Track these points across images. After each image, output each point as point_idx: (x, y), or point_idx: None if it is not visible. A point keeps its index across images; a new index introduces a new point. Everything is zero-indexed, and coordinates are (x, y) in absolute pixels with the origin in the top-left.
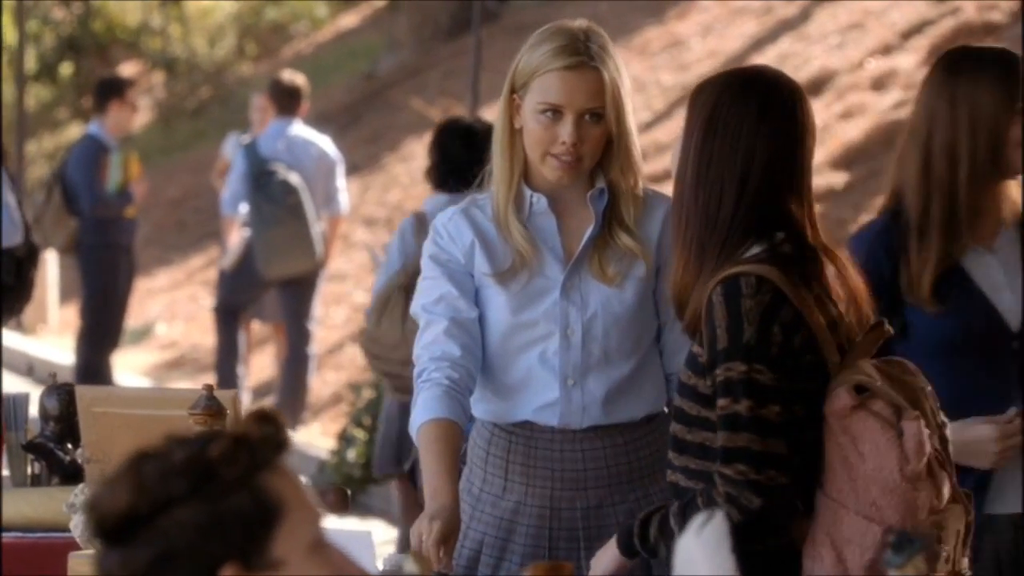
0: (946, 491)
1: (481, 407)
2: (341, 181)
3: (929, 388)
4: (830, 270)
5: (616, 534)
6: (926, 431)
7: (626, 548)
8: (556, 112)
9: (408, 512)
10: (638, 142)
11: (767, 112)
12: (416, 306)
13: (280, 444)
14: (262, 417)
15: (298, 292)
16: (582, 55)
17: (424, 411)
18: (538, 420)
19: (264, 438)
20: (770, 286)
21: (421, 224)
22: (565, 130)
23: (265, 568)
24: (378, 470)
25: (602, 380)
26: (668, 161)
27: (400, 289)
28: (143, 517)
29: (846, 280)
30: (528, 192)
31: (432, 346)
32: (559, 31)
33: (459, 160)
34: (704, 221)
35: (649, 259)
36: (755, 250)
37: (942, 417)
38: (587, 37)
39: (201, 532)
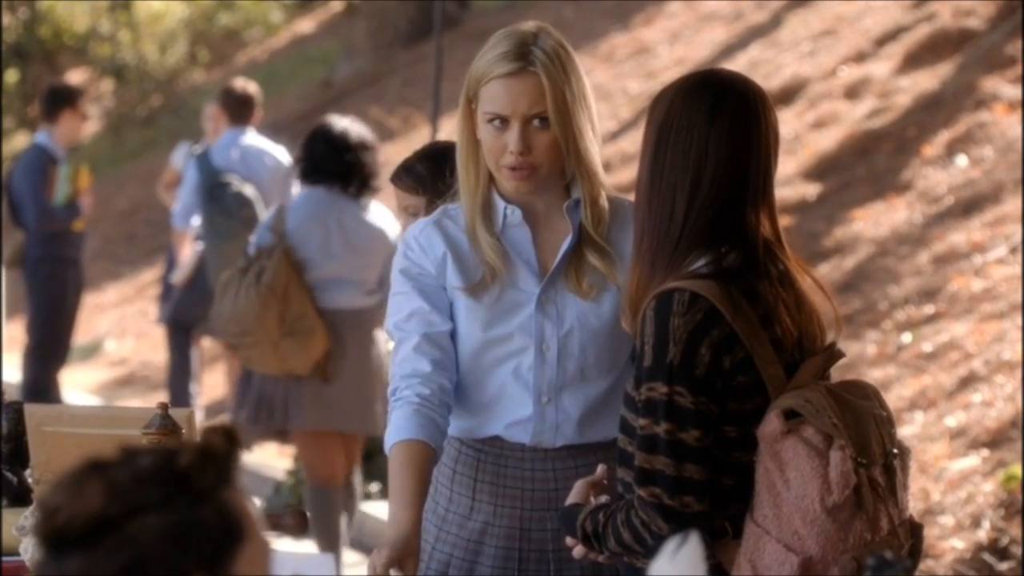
0: (884, 523)
1: (451, 423)
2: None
3: (886, 414)
4: (790, 284)
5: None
6: (850, 463)
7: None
8: (502, 121)
9: (309, 465)
10: (595, 148)
11: (717, 117)
12: (388, 324)
13: (237, 460)
14: (222, 431)
15: None
16: (522, 60)
17: (394, 432)
18: (509, 437)
19: (228, 453)
20: (704, 303)
21: (280, 214)
22: (512, 138)
23: None
24: (251, 421)
25: (578, 398)
26: (635, 171)
27: (239, 271)
28: (113, 522)
29: (802, 296)
30: (502, 204)
31: (403, 363)
32: (507, 36)
33: (322, 159)
34: (657, 231)
35: (615, 276)
36: (700, 263)
37: (896, 446)
38: (534, 40)
39: (172, 542)
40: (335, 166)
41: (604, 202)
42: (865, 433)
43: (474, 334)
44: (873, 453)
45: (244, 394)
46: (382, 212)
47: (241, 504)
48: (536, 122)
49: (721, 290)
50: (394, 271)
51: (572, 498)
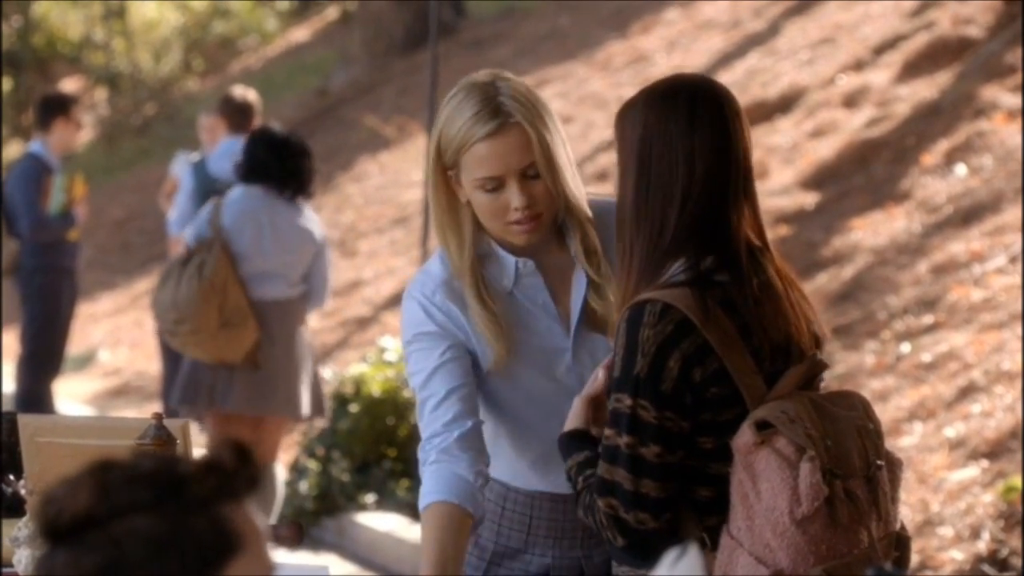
0: (863, 536)
1: (496, 468)
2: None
3: (873, 426)
4: (773, 293)
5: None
6: (819, 475)
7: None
8: (498, 182)
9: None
10: (576, 179)
11: (697, 123)
12: (413, 382)
13: (251, 481)
14: (236, 448)
15: None
16: (499, 115)
17: (424, 494)
18: (558, 489)
19: (236, 470)
20: (676, 314)
21: (218, 209)
22: (513, 197)
23: None
24: (180, 402)
25: None
26: None
27: (179, 262)
28: (99, 520)
29: (785, 305)
30: (511, 259)
31: (429, 424)
32: (467, 95)
33: (262, 162)
34: (647, 245)
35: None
36: (678, 272)
37: (882, 458)
38: (496, 91)
39: (155, 547)
40: (275, 170)
41: (593, 235)
42: (845, 444)
43: (512, 399)
44: (853, 465)
45: (173, 378)
46: (311, 215)
47: (244, 520)
48: (529, 173)
49: (696, 300)
50: (413, 330)
51: (572, 421)
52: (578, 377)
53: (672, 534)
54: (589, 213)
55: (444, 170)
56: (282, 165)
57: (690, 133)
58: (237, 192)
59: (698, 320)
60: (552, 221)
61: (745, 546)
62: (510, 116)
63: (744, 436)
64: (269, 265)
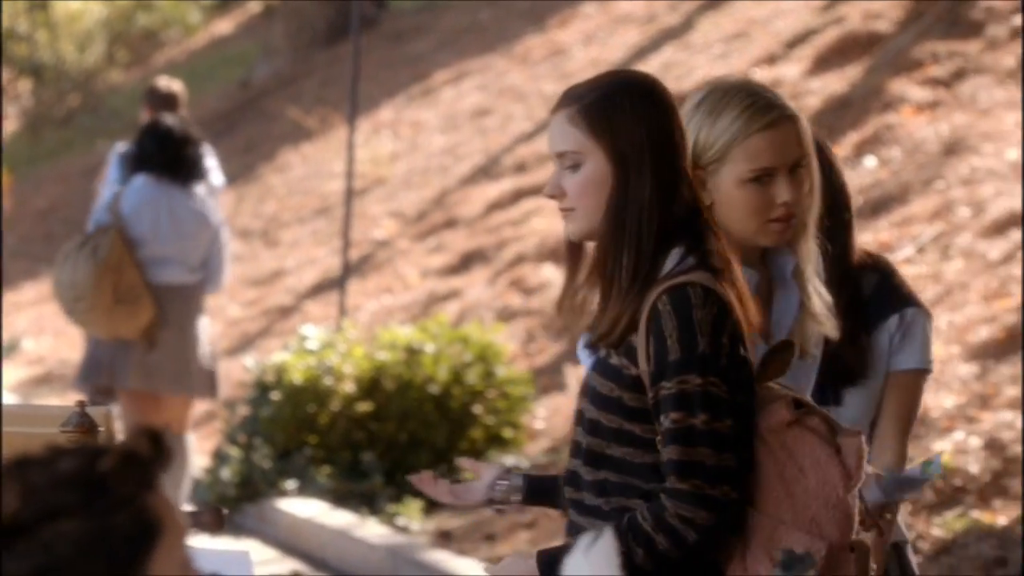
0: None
1: None
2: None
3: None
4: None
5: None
6: (862, 449)
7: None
8: (769, 174)
9: (129, 422)
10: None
11: (656, 121)
12: None
13: (164, 463)
14: (150, 435)
15: None
16: (775, 109)
17: None
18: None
19: (152, 458)
20: (715, 296)
21: (118, 197)
22: (781, 191)
23: None
24: (81, 380)
25: None
26: (551, 172)
27: (76, 245)
28: (26, 525)
29: (748, 291)
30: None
31: None
32: (725, 94)
33: (151, 152)
34: (635, 251)
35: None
36: (688, 260)
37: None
38: (760, 88)
39: (84, 548)
40: (164, 158)
41: (812, 252)
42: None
43: None
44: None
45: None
46: (208, 201)
47: (161, 505)
48: (797, 168)
49: (719, 283)
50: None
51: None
52: None
53: (744, 505)
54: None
55: (700, 168)
56: (168, 154)
57: (658, 131)
58: (138, 180)
59: (729, 301)
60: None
61: (788, 521)
62: (785, 109)
63: (779, 415)
64: (167, 250)
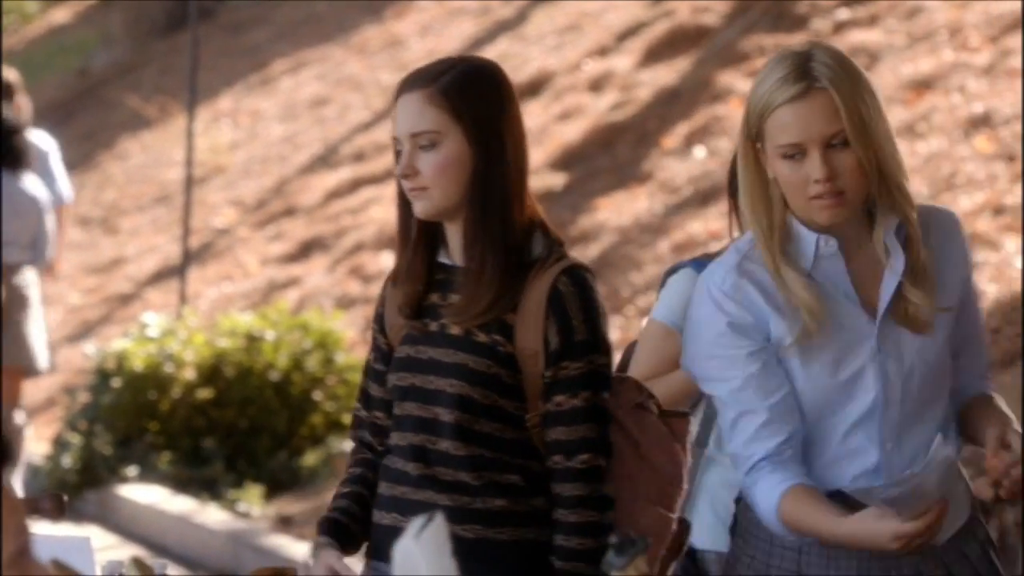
0: None
1: None
2: (59, 169)
3: None
4: None
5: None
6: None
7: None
8: (799, 149)
9: None
10: (892, 149)
11: (509, 105)
12: (720, 391)
13: (7, 457)
14: None
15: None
16: (806, 79)
17: (772, 491)
18: (853, 490)
19: None
20: (594, 279)
21: None
22: (814, 169)
23: None
24: None
25: (916, 439)
26: (389, 161)
27: None
28: None
29: None
30: (813, 235)
31: (752, 444)
32: (779, 61)
33: None
34: (505, 233)
35: (939, 301)
36: (554, 242)
37: None
38: (810, 57)
39: None
40: None
41: (916, 225)
42: None
43: (811, 388)
44: None
45: None
46: (35, 182)
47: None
48: (834, 144)
49: None
50: (711, 329)
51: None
52: (882, 369)
53: None
54: (912, 199)
55: (752, 143)
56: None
57: (512, 115)
58: None
59: None
60: (862, 201)
61: (644, 497)
62: (816, 80)
63: (629, 395)
64: (3, 233)
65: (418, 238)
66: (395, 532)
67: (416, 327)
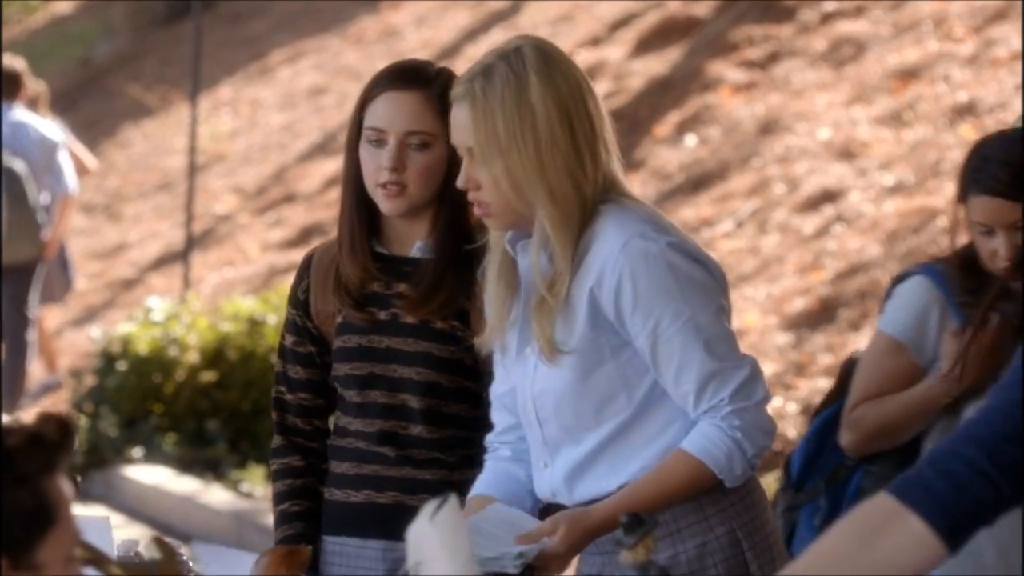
0: None
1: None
2: (66, 162)
3: None
4: None
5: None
6: None
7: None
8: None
9: None
10: (549, 174)
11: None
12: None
13: (68, 451)
14: (56, 421)
15: (19, 279)
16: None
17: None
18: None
19: (58, 444)
20: None
21: None
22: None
23: (27, 569)
24: None
25: (566, 459)
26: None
27: None
28: None
29: None
30: (507, 234)
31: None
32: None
33: None
34: (465, 233)
35: (563, 332)
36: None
37: None
38: (483, 59)
39: None
40: None
41: (563, 243)
42: None
43: (507, 392)
44: None
45: None
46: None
47: (58, 490)
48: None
49: None
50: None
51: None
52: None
53: None
54: (567, 209)
55: None
56: None
57: None
58: None
59: None
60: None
61: None
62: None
63: None
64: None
65: (361, 228)
66: (372, 508)
67: (361, 317)
